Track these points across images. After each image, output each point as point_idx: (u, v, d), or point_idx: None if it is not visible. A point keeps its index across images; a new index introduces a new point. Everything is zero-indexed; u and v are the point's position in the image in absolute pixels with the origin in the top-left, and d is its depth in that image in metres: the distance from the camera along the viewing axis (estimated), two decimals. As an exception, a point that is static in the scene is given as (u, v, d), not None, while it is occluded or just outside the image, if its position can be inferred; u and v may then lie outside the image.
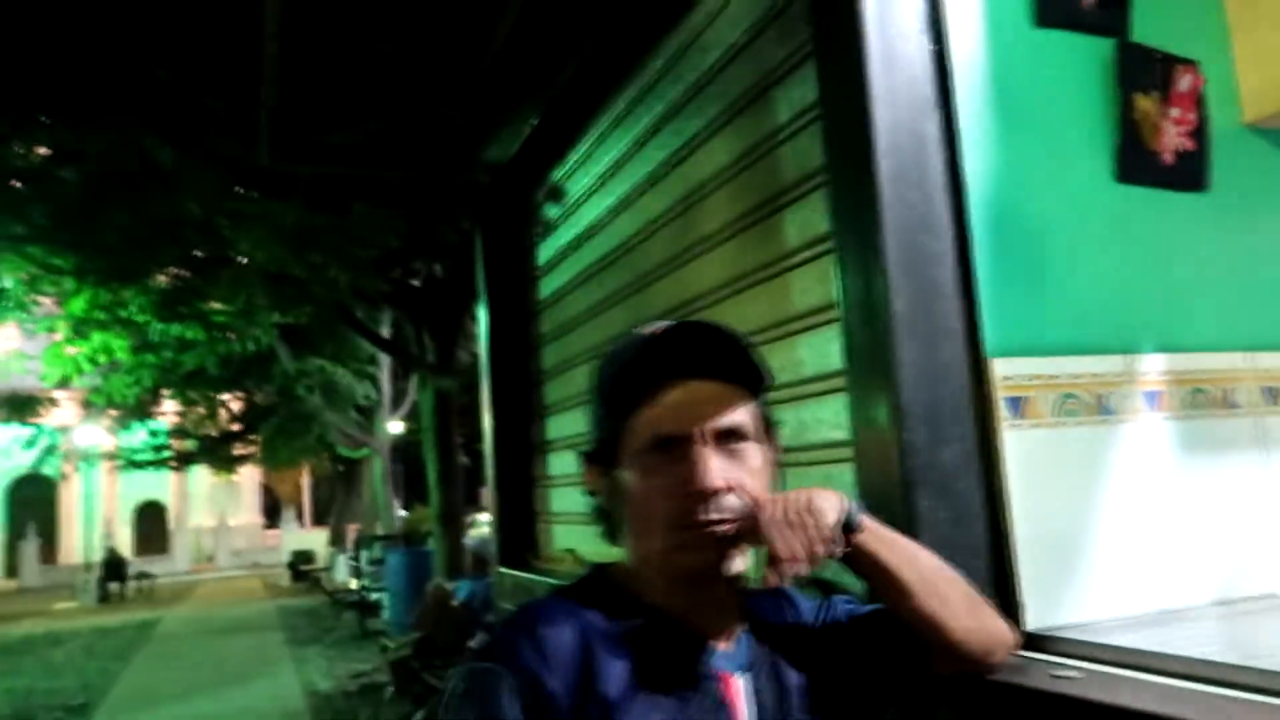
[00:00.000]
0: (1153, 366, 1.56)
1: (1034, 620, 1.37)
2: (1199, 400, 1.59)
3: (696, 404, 0.97)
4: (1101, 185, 1.60)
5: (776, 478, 1.03)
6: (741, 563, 0.98)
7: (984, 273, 1.46)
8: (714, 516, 0.95)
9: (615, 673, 0.94)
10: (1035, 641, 1.35)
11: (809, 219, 1.83)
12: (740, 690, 1.00)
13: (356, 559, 13.38)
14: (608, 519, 1.05)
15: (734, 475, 0.97)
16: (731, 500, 0.96)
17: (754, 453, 0.99)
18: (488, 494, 3.90)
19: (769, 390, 1.03)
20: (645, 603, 1.00)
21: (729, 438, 0.98)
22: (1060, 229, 1.55)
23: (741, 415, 0.99)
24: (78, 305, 7.48)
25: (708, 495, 0.95)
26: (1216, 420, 1.59)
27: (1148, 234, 1.62)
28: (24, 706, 8.11)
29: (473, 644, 6.56)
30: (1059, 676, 1.19)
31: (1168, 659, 1.16)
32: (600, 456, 1.03)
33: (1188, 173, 1.70)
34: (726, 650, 1.01)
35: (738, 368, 1.00)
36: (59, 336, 8.33)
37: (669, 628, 0.99)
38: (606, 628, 0.97)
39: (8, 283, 7.33)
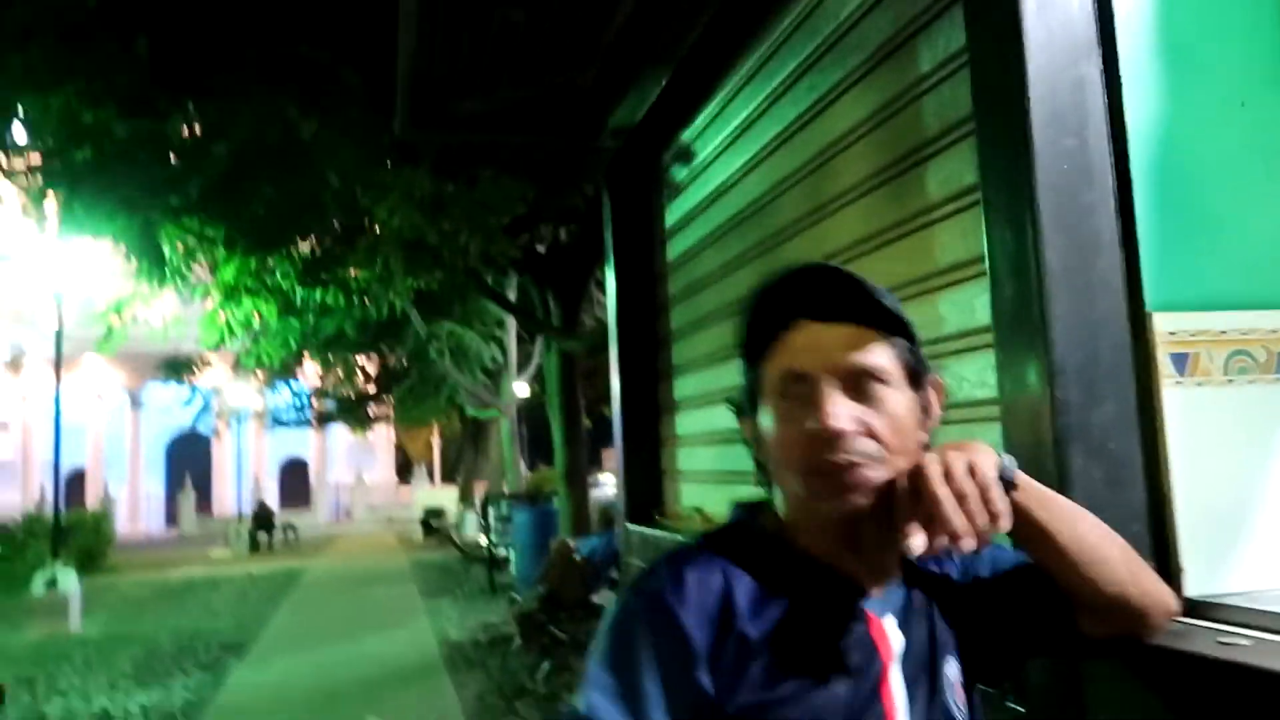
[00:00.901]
0: (1332, 321, 1.46)
1: (1194, 587, 1.32)
2: (1385, 358, 1.47)
3: (824, 343, 0.95)
4: (1273, 130, 1.49)
5: (930, 429, 0.99)
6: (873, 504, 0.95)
7: (1145, 223, 1.39)
8: (842, 459, 0.92)
9: (758, 614, 0.95)
10: (1197, 608, 1.29)
11: (952, 171, 1.77)
12: (887, 632, 0.98)
13: (485, 516, 13.82)
14: (761, 468, 1.04)
15: (868, 418, 0.93)
16: (864, 445, 0.92)
17: (894, 398, 0.94)
18: (612, 454, 3.96)
19: (913, 336, 0.98)
20: (794, 548, 0.99)
21: (862, 379, 0.94)
22: (1229, 176, 1.45)
23: (877, 357, 0.95)
24: (228, 273, 7.93)
25: (834, 437, 0.91)
26: (1405, 380, 1.47)
27: (1327, 179, 1.50)
28: (187, 644, 8.78)
29: (597, 599, 6.72)
30: (1226, 644, 1.14)
31: (1350, 630, 1.09)
32: (745, 404, 1.03)
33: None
34: (877, 596, 1.00)
35: (869, 310, 0.96)
36: (212, 303, 8.86)
37: (816, 572, 0.98)
38: (752, 572, 0.97)
39: (167, 252, 7.82)
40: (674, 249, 3.51)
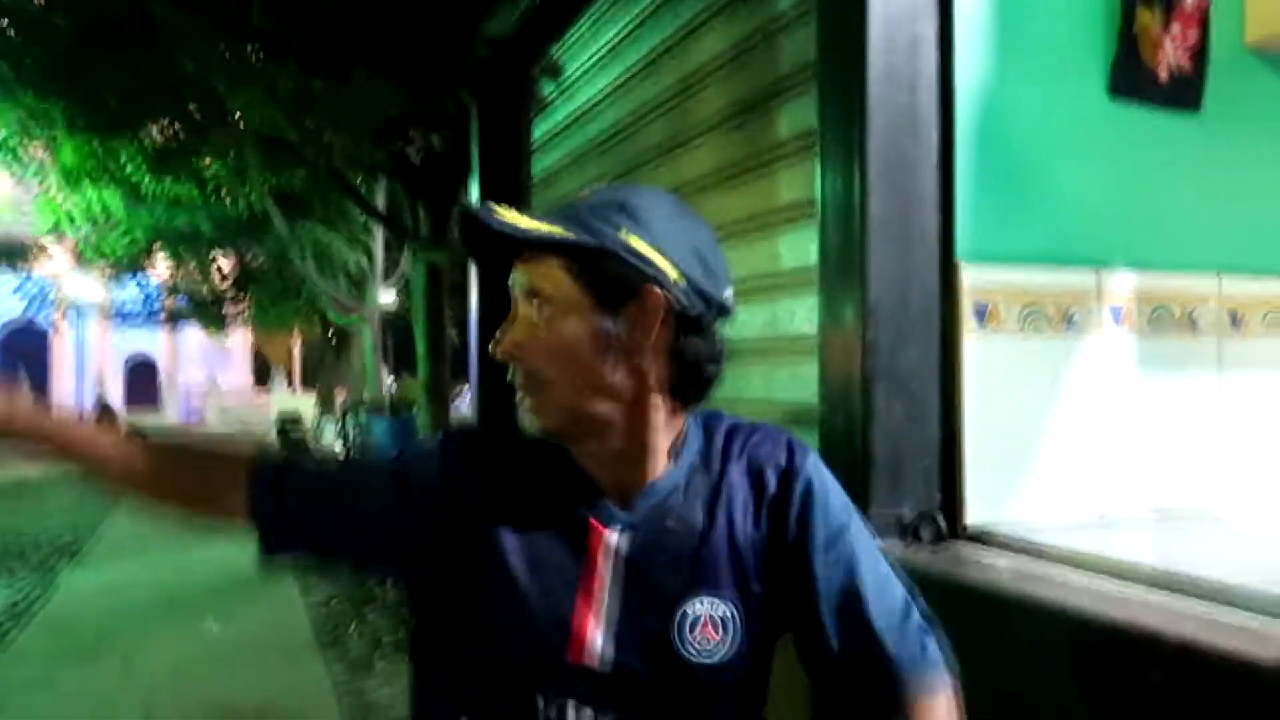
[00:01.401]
0: (1121, 283, 1.60)
1: (974, 516, 1.44)
2: (1162, 319, 1.63)
3: (516, 268, 0.97)
4: (1093, 99, 1.60)
5: (644, 347, 0.94)
6: (548, 425, 0.96)
7: (964, 179, 1.48)
8: (515, 379, 0.97)
9: (496, 500, 1.00)
10: (973, 536, 1.43)
11: (799, 114, 1.82)
12: (608, 546, 0.98)
13: (343, 424, 13.57)
14: None
15: (525, 343, 0.95)
16: (519, 369, 0.96)
17: (560, 320, 0.94)
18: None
19: (615, 250, 0.92)
20: (573, 455, 1.01)
21: (530, 300, 0.96)
22: (1046, 140, 1.56)
23: (539, 278, 0.95)
24: (68, 155, 7.38)
25: (505, 360, 0.97)
26: (1177, 340, 1.63)
27: (1133, 151, 1.63)
28: (15, 545, 8.37)
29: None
30: (988, 568, 1.27)
31: (1092, 558, 1.23)
32: None
33: (1182, 92, 1.69)
34: (618, 507, 0.99)
35: (526, 235, 0.94)
36: (50, 186, 8.24)
37: (567, 469, 1.00)
38: (525, 460, 1.02)
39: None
40: (538, 165, 3.48)
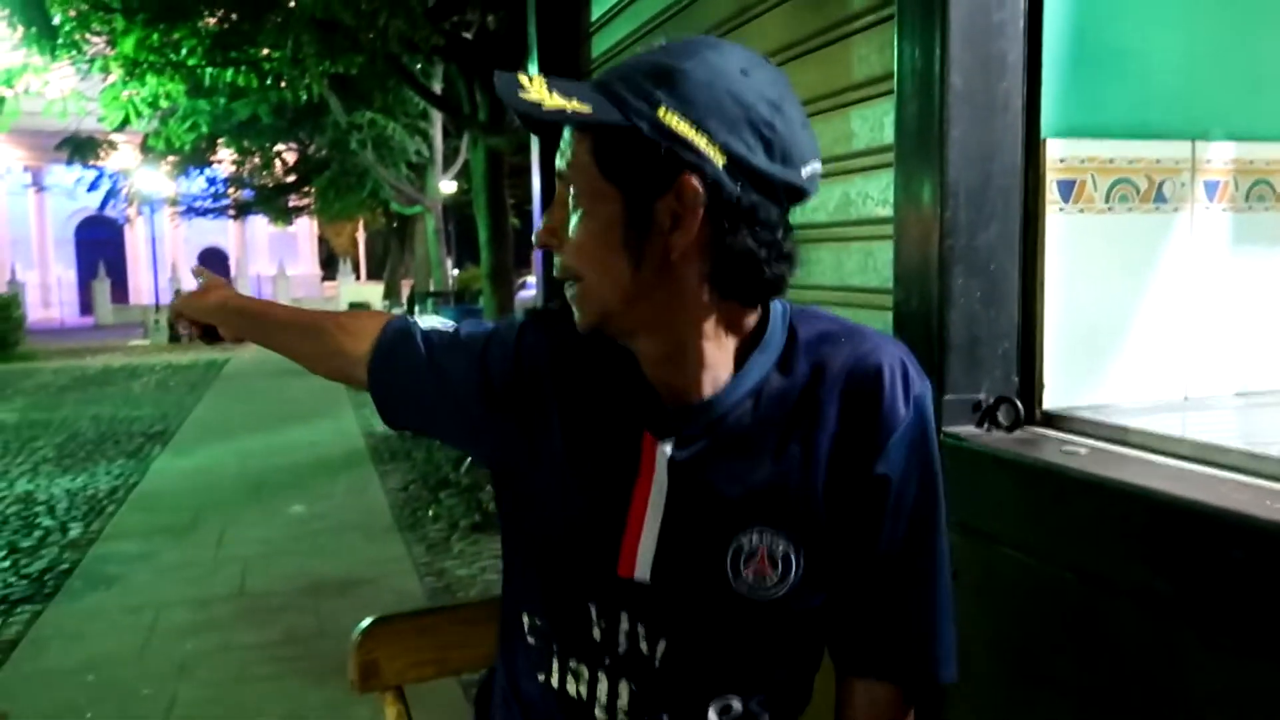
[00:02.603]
0: (1218, 155, 1.51)
1: (1052, 400, 1.42)
2: (1261, 193, 1.54)
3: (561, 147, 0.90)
4: (1192, -42, 1.48)
5: (680, 241, 0.85)
6: (586, 321, 0.91)
7: (1051, 47, 1.39)
8: (555, 272, 0.92)
9: (564, 395, 0.99)
10: (1052, 420, 1.41)
11: (875, -20, 1.72)
12: (661, 460, 0.93)
13: (410, 313, 13.84)
14: None
15: (559, 231, 0.90)
16: (557, 260, 0.91)
17: (582, 209, 0.87)
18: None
19: (634, 133, 0.82)
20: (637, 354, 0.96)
21: (565, 186, 0.90)
22: (1135, 6, 1.45)
23: (571, 160, 0.88)
24: (128, 45, 7.40)
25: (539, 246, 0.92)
26: (1276, 214, 1.55)
27: (1232, 13, 1.51)
28: (108, 431, 8.82)
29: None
30: (1067, 451, 1.25)
31: (1173, 440, 1.21)
32: None
33: (1295, -58, 1.56)
34: (676, 417, 0.93)
35: (557, 112, 0.84)
36: (113, 78, 8.30)
37: (630, 373, 0.95)
38: (596, 355, 0.97)
39: (57, 19, 7.23)
40: (599, 45, 3.38)
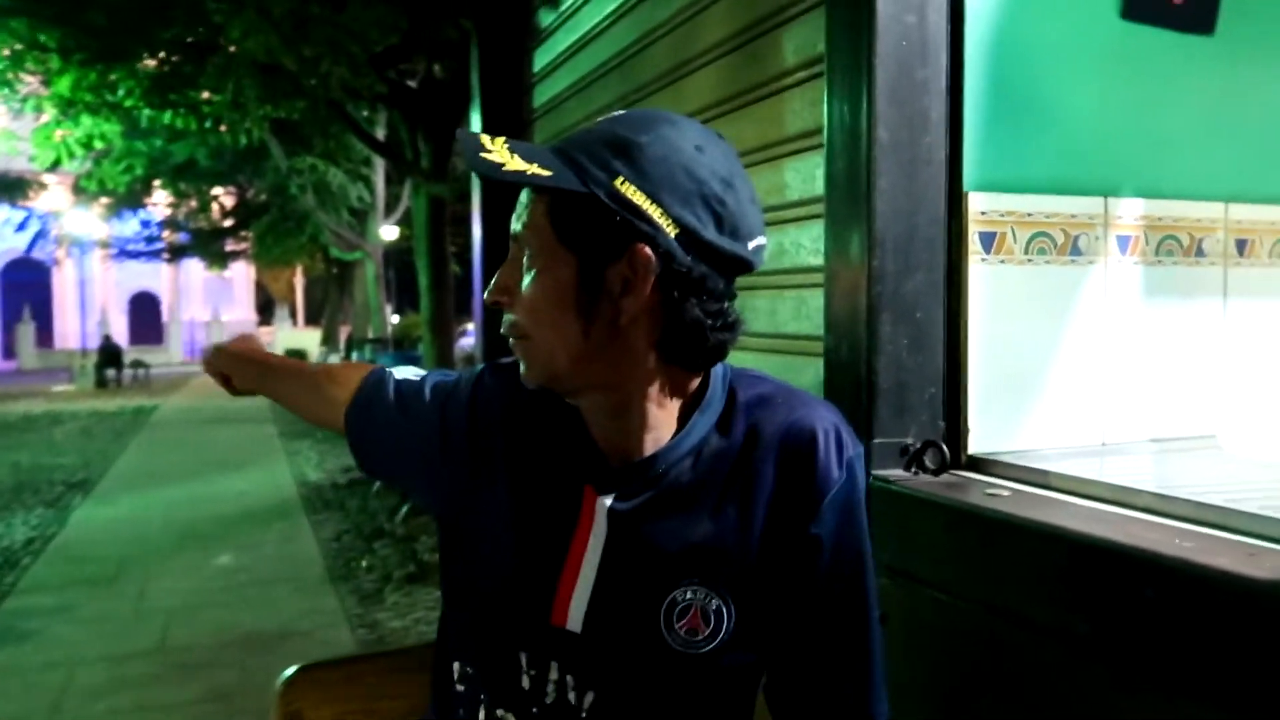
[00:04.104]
0: (1129, 211, 1.58)
1: (977, 445, 1.46)
2: (1169, 247, 1.62)
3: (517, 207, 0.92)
4: (1105, 22, 1.57)
5: (628, 305, 0.86)
6: (533, 379, 0.93)
7: (973, 105, 1.46)
8: (503, 329, 0.93)
9: (511, 445, 1.00)
10: (976, 464, 1.44)
11: (807, 38, 1.79)
12: (600, 514, 0.94)
13: (348, 359, 13.65)
14: None
15: (512, 290, 0.91)
16: (506, 317, 0.92)
17: (540, 270, 0.88)
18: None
19: (593, 201, 0.84)
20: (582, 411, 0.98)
21: (518, 247, 0.91)
22: (1056, 64, 1.53)
23: (528, 222, 0.89)
24: (64, 85, 7.27)
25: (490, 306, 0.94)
26: (1183, 268, 1.63)
27: (1145, 76, 1.60)
28: (27, 479, 8.49)
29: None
30: (991, 494, 1.28)
31: (1091, 484, 1.25)
32: None
33: (1196, 14, 1.65)
34: (617, 473, 0.95)
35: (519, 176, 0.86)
36: (47, 118, 8.14)
37: (573, 429, 0.97)
38: (545, 407, 0.99)
39: (-11, 57, 7.09)
40: (539, 96, 3.43)
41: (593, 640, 0.93)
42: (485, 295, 0.93)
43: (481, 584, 1.00)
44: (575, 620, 0.93)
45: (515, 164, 0.85)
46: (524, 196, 0.90)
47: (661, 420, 0.93)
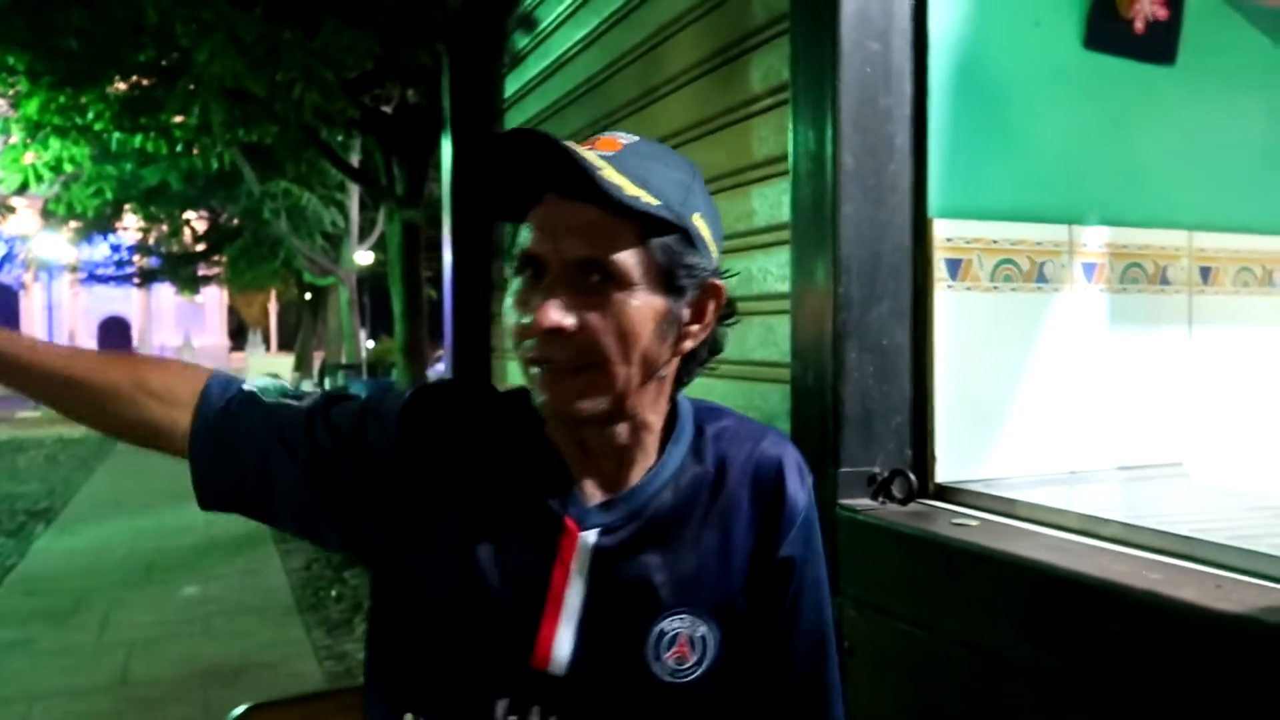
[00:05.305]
0: (1094, 239, 1.59)
1: (944, 474, 1.44)
2: (1134, 275, 1.62)
3: (563, 225, 0.84)
4: (1068, 51, 1.58)
5: (697, 337, 0.90)
6: (587, 410, 0.86)
7: (937, 132, 1.46)
8: (547, 355, 0.84)
9: (461, 476, 0.93)
10: (944, 493, 1.43)
11: (772, 65, 1.78)
12: (583, 549, 0.91)
13: (321, 386, 13.52)
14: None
15: (588, 319, 0.83)
16: (568, 345, 0.83)
17: (628, 302, 0.84)
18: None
19: (684, 231, 0.86)
20: (549, 439, 0.94)
21: (593, 274, 0.83)
22: (1020, 93, 1.54)
23: (618, 252, 0.83)
24: (32, 108, 7.19)
25: (543, 333, 0.83)
26: (1148, 295, 1.63)
27: (1108, 105, 1.61)
28: (-11, 507, 8.31)
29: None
30: (958, 524, 1.27)
31: (1059, 513, 1.23)
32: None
33: (1157, 44, 1.67)
34: (597, 503, 0.92)
35: (618, 200, 0.82)
36: (14, 140, 8.05)
37: (543, 458, 0.93)
38: (497, 433, 0.95)
39: (-45, 80, 7.01)
40: (511, 121, 3.42)
41: (579, 680, 0.90)
42: (539, 320, 0.83)
43: (439, 629, 0.93)
44: (559, 661, 0.90)
45: (633, 189, 0.83)
46: (590, 216, 0.83)
47: (651, 450, 0.94)
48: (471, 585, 0.91)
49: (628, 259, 0.84)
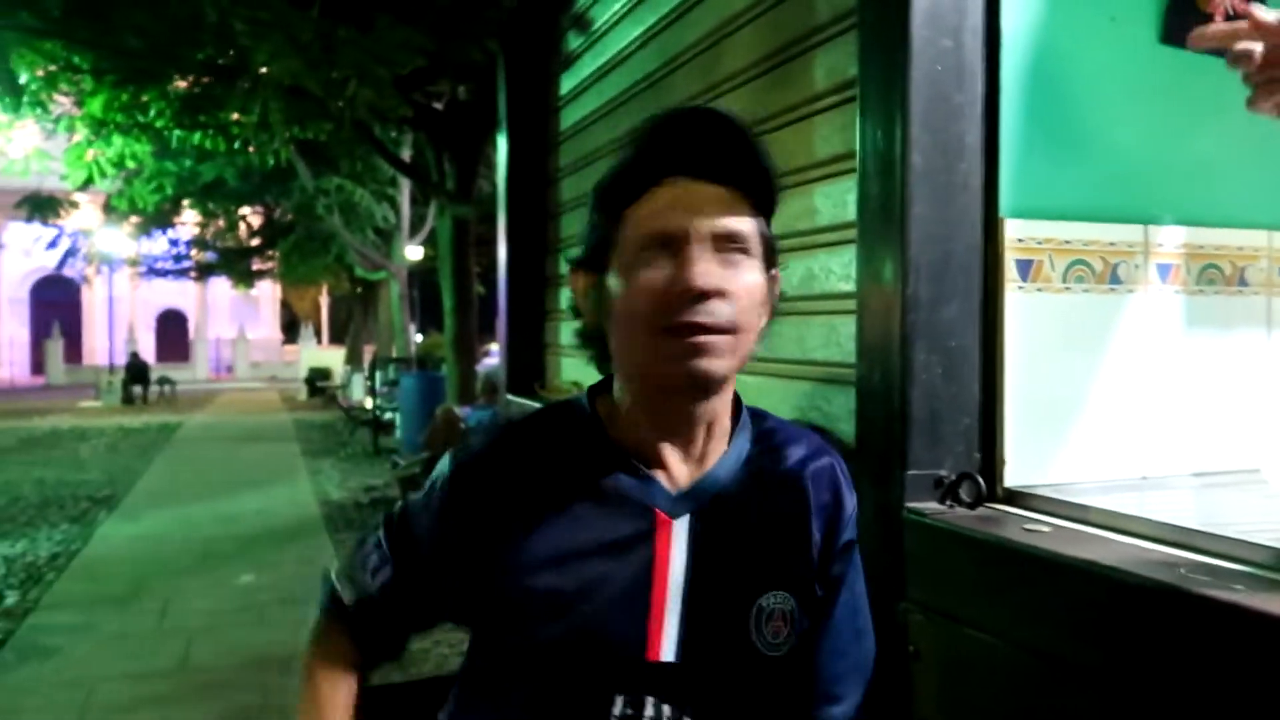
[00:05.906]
0: (1170, 239, 1.55)
1: (1014, 478, 1.42)
2: (1211, 276, 1.58)
3: (697, 203, 0.90)
4: (1144, 46, 1.54)
5: (769, 310, 0.98)
6: (721, 373, 0.92)
7: (1009, 130, 1.43)
8: (699, 319, 0.88)
9: (543, 499, 0.95)
10: (1013, 497, 1.40)
11: (838, 62, 1.77)
12: (679, 537, 0.95)
13: (372, 379, 13.70)
14: (596, 341, 1.00)
15: (730, 285, 0.90)
16: (722, 308, 0.88)
17: (753, 270, 0.93)
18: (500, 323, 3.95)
19: (773, 209, 0.98)
20: (607, 435, 0.98)
21: (729, 244, 0.91)
22: (1094, 90, 1.50)
23: (745, 224, 0.92)
24: (96, 105, 7.38)
25: (698, 296, 0.87)
26: (1226, 297, 1.59)
27: (1184, 102, 1.57)
28: (53, 495, 8.55)
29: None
30: (1030, 530, 1.24)
31: (1135, 520, 1.20)
32: (591, 261, 0.96)
33: (1238, 38, 1.62)
34: (683, 487, 0.97)
35: (750, 175, 0.93)
36: (79, 137, 8.26)
37: (616, 461, 0.96)
38: (554, 455, 0.97)
39: (24, 78, 7.21)
40: (566, 120, 3.43)
41: (689, 664, 0.94)
42: (707, 281, 0.88)
43: (553, 643, 0.94)
44: (669, 649, 0.94)
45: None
46: (722, 192, 0.92)
47: (725, 431, 1.01)
48: (574, 603, 0.93)
49: (753, 232, 0.93)
